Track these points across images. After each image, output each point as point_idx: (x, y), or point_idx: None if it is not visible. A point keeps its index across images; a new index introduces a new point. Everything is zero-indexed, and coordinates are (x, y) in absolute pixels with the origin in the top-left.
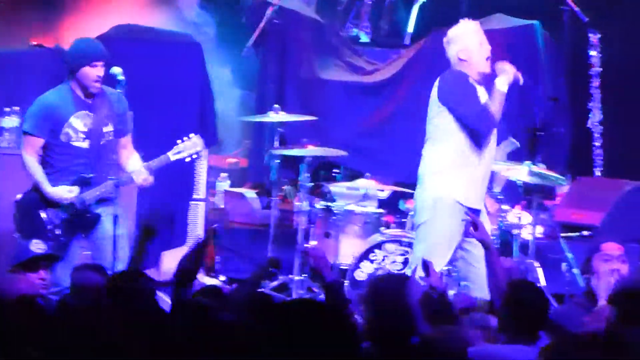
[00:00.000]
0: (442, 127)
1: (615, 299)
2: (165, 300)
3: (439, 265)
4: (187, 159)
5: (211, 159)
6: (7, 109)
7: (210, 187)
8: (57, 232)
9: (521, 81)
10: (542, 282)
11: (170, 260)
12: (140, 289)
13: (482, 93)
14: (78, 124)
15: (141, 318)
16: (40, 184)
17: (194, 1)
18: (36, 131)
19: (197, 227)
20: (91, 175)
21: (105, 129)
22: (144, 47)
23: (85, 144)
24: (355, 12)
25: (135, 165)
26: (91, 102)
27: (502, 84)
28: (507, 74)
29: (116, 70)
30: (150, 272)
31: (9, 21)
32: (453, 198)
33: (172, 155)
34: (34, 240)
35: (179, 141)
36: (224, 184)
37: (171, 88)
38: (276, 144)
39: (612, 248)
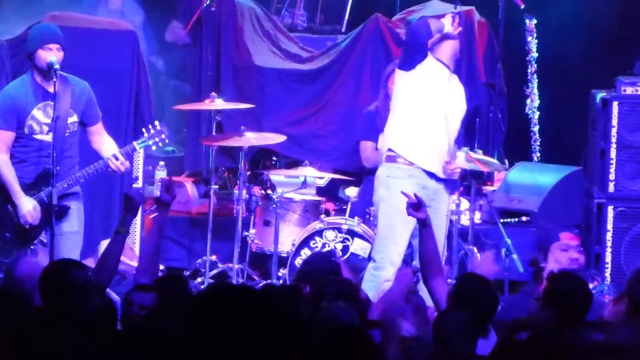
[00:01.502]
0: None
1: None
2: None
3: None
4: (153, 147)
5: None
6: None
7: (148, 175)
8: (26, 226)
9: None
10: None
11: None
12: (72, 284)
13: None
14: (40, 115)
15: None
16: (10, 186)
17: None
18: (4, 125)
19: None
20: (56, 168)
21: (70, 120)
22: (79, 35)
23: (48, 137)
24: (290, 0)
25: (110, 152)
26: (53, 93)
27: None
28: None
29: (52, 58)
30: (88, 262)
31: None
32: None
33: (137, 145)
34: None
35: (144, 130)
36: (161, 173)
37: (106, 76)
38: (213, 132)
39: (570, 238)
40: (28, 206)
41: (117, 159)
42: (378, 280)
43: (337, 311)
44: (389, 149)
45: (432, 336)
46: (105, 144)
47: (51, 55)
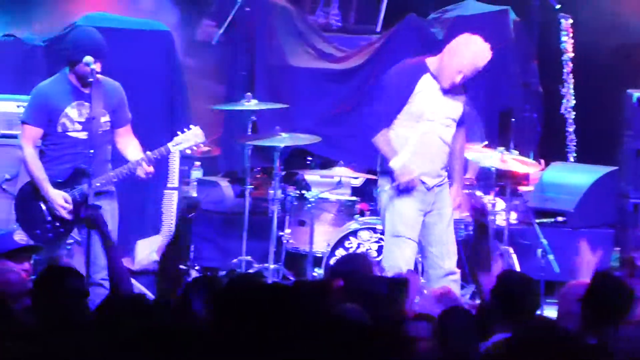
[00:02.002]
0: None
1: None
2: (142, 289)
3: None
4: (188, 151)
5: None
6: None
7: (184, 175)
8: (57, 223)
9: None
10: (517, 268)
11: (143, 249)
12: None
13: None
14: (74, 113)
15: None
16: (40, 181)
17: None
18: (34, 121)
19: (170, 216)
20: (89, 166)
21: (102, 119)
22: (114, 35)
23: (82, 135)
24: (325, 0)
25: (135, 156)
26: (88, 92)
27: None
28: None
29: (88, 58)
30: (125, 261)
31: None
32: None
33: (172, 147)
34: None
35: (179, 132)
36: (197, 173)
37: (142, 76)
38: (249, 132)
39: None
40: (58, 199)
41: (141, 164)
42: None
43: (348, 311)
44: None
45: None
46: (130, 147)
47: (98, 66)
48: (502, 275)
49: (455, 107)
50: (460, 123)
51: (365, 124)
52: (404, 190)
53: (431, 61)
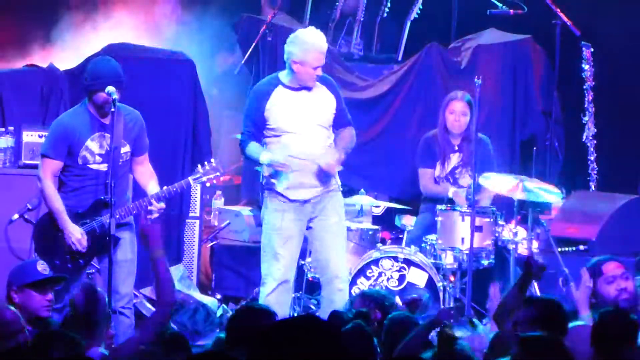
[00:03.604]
0: None
1: None
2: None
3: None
4: (208, 184)
5: None
6: (1, 129)
7: (205, 205)
8: (76, 255)
9: None
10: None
11: None
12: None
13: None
14: (94, 146)
15: None
16: (58, 214)
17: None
18: (54, 154)
19: (192, 245)
20: (109, 197)
21: (123, 150)
22: (137, 64)
23: (102, 167)
24: (347, 28)
25: (151, 190)
26: (107, 123)
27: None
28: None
29: (110, 88)
30: (146, 291)
31: (8, 40)
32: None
33: (192, 180)
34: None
35: (199, 165)
36: (218, 202)
37: (165, 105)
38: None
39: (612, 268)
40: (76, 234)
41: (157, 201)
42: (261, 296)
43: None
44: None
45: None
46: (147, 177)
47: (116, 94)
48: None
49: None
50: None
51: None
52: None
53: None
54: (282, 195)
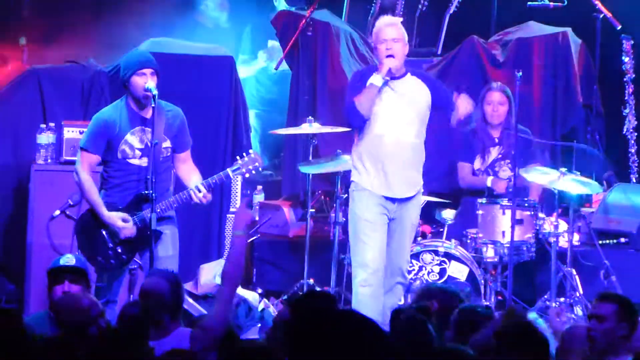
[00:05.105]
0: None
1: None
2: (201, 311)
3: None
4: (247, 175)
5: None
6: (43, 126)
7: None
8: (119, 250)
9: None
10: (580, 290)
11: (207, 273)
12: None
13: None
14: (134, 140)
15: None
16: (96, 206)
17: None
18: (92, 148)
19: None
20: (150, 192)
21: (164, 145)
22: (178, 61)
23: (142, 162)
24: None
25: (195, 182)
26: (148, 117)
27: (374, 79)
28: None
29: (150, 84)
30: (188, 285)
31: (49, 38)
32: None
33: (231, 172)
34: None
35: (238, 157)
36: (259, 197)
37: (205, 101)
38: (310, 156)
39: None
40: (118, 221)
41: (199, 191)
42: (355, 288)
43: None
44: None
45: None
46: (189, 173)
47: (147, 81)
48: None
49: None
50: None
51: None
52: None
53: None
54: None
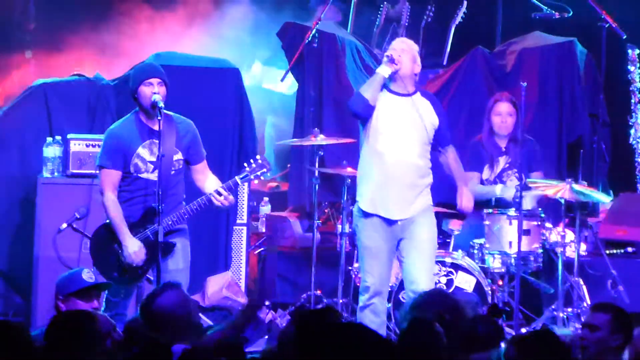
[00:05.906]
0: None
1: None
2: (208, 323)
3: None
4: (255, 181)
5: (252, 183)
6: (49, 139)
7: (252, 211)
8: (134, 265)
9: None
10: (587, 300)
11: (214, 285)
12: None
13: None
14: (146, 153)
15: None
16: (119, 228)
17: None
18: (110, 164)
19: (240, 252)
20: (162, 206)
21: (175, 157)
22: (184, 73)
23: (153, 175)
24: (392, 34)
25: (213, 189)
26: (159, 130)
27: (381, 69)
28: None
29: (155, 97)
30: (195, 297)
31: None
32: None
33: (239, 179)
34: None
35: (245, 164)
36: (265, 208)
37: (211, 114)
38: (316, 167)
39: None
40: (134, 247)
41: (220, 194)
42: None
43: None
44: None
45: None
46: (208, 182)
47: (154, 91)
48: None
49: None
50: None
51: None
52: None
53: None
54: None
